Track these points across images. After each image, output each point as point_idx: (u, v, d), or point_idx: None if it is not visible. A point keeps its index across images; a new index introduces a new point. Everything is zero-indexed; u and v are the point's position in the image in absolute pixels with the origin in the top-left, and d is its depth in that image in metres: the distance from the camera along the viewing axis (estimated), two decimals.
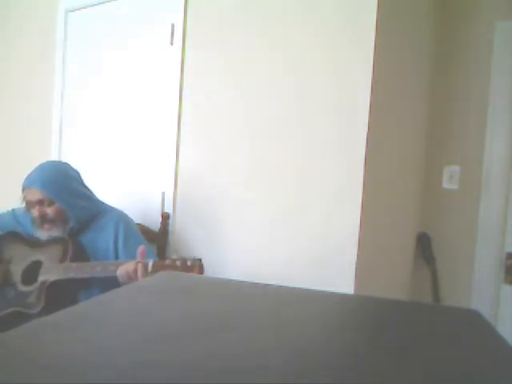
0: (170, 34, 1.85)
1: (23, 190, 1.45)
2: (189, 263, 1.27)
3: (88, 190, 1.58)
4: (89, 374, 0.34)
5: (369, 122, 1.36)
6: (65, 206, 1.44)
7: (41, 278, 1.37)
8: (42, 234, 1.45)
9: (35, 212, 1.43)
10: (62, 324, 0.44)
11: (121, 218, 1.55)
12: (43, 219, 1.43)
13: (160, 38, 1.88)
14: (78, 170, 1.59)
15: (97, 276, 1.33)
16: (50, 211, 1.43)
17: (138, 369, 0.34)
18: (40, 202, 1.42)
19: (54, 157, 2.29)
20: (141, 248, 1.32)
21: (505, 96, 1.91)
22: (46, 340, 0.40)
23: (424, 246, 2.06)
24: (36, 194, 1.42)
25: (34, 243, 1.47)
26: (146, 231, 1.82)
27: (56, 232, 1.44)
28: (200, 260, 1.29)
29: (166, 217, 1.81)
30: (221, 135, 1.70)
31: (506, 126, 1.92)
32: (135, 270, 1.28)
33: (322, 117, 1.45)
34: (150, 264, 1.29)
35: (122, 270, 1.29)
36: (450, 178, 2.05)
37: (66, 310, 0.48)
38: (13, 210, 1.62)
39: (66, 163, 1.63)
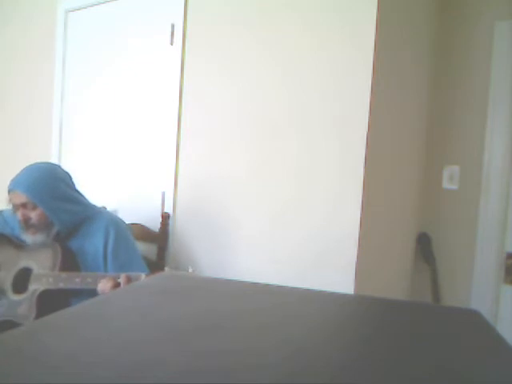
0: (170, 34, 1.85)
1: (8, 192, 1.41)
2: None
3: (78, 193, 1.53)
4: (89, 373, 0.34)
5: (369, 122, 1.36)
6: (48, 211, 1.39)
7: (31, 287, 1.35)
8: (28, 238, 1.42)
9: (19, 215, 1.39)
10: (61, 324, 0.44)
11: (112, 222, 1.50)
12: (27, 223, 1.40)
13: (160, 37, 1.88)
14: (69, 172, 1.54)
15: (87, 288, 1.31)
16: (33, 215, 1.39)
17: (138, 368, 0.34)
18: (23, 206, 1.39)
19: (54, 157, 2.29)
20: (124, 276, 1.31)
21: (505, 96, 1.91)
22: (46, 340, 0.40)
23: (424, 246, 2.06)
24: (19, 198, 1.38)
25: (23, 247, 1.44)
26: (146, 231, 1.82)
27: (40, 237, 1.41)
28: (194, 272, 1.28)
29: (165, 217, 1.81)
30: (221, 135, 1.70)
31: (506, 126, 1.92)
32: (114, 288, 1.26)
33: (322, 117, 1.45)
34: (142, 278, 1.28)
35: (102, 288, 1.28)
36: (450, 178, 2.05)
37: (65, 310, 0.48)
38: (0, 211, 1.58)
39: (55, 165, 1.58)
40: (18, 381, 0.32)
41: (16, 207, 1.40)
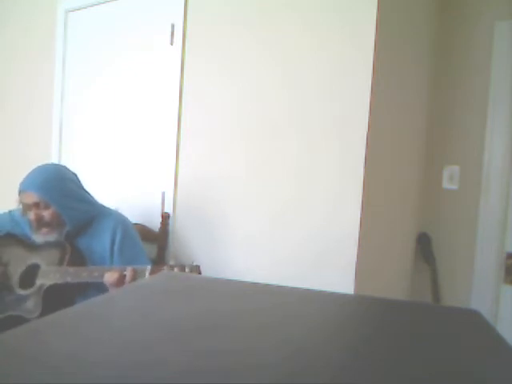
0: (170, 34, 1.85)
1: (19, 193, 1.44)
2: (187, 270, 1.27)
3: (86, 192, 1.56)
4: (89, 373, 0.34)
5: (369, 122, 1.36)
6: (60, 209, 1.42)
7: (38, 282, 1.37)
8: (39, 238, 1.44)
9: (31, 215, 1.42)
10: (62, 324, 0.44)
11: (119, 222, 1.53)
12: (39, 223, 1.42)
13: (160, 37, 1.88)
14: (76, 173, 1.57)
15: (94, 281, 1.33)
16: (46, 214, 1.42)
17: (138, 368, 0.34)
18: (36, 205, 1.41)
19: (54, 157, 2.29)
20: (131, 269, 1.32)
21: (505, 96, 1.91)
22: (47, 339, 0.40)
23: (424, 246, 2.06)
24: (32, 197, 1.40)
25: (31, 245, 1.45)
26: (146, 231, 1.82)
27: (53, 236, 1.43)
28: (198, 267, 1.29)
29: (166, 217, 1.81)
30: (221, 135, 1.70)
31: (506, 126, 1.92)
32: (120, 280, 1.28)
33: (322, 117, 1.45)
34: (147, 271, 1.29)
35: (108, 279, 1.29)
36: (450, 178, 2.05)
37: (66, 309, 0.48)
38: (10, 211, 1.60)
39: (63, 166, 1.61)
40: (18, 381, 0.32)
41: (28, 207, 1.42)
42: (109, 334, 0.42)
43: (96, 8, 2.14)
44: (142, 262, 1.48)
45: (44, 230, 1.43)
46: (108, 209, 1.59)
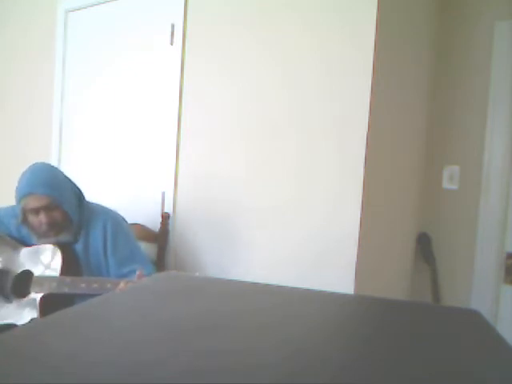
0: (170, 34, 1.85)
1: (21, 199, 1.34)
2: None
3: (78, 188, 1.52)
4: (89, 373, 0.34)
5: (369, 122, 1.36)
6: (68, 208, 1.38)
7: (33, 291, 1.32)
8: (49, 241, 1.37)
9: (43, 218, 1.34)
10: (62, 324, 0.44)
11: (108, 217, 1.47)
12: (52, 225, 1.35)
13: (160, 37, 1.88)
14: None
15: (92, 293, 1.26)
16: (56, 215, 1.36)
17: (138, 368, 0.34)
18: (46, 208, 1.34)
19: (54, 157, 2.29)
20: (138, 273, 1.29)
21: (505, 96, 1.91)
22: (47, 339, 0.40)
23: (424, 246, 2.06)
24: (40, 200, 1.33)
25: (20, 248, 1.40)
26: (145, 231, 1.82)
27: (65, 236, 1.38)
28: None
29: (166, 217, 1.81)
30: (221, 135, 1.70)
31: (506, 126, 1.92)
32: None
33: (322, 117, 1.45)
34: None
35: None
36: (450, 178, 2.05)
37: (66, 310, 0.48)
38: None
39: (53, 165, 1.56)
40: (17, 381, 0.32)
41: (35, 211, 1.34)
42: (109, 334, 0.42)
43: (96, 8, 2.14)
44: (139, 259, 1.46)
45: (56, 230, 1.37)
46: (97, 205, 1.55)
